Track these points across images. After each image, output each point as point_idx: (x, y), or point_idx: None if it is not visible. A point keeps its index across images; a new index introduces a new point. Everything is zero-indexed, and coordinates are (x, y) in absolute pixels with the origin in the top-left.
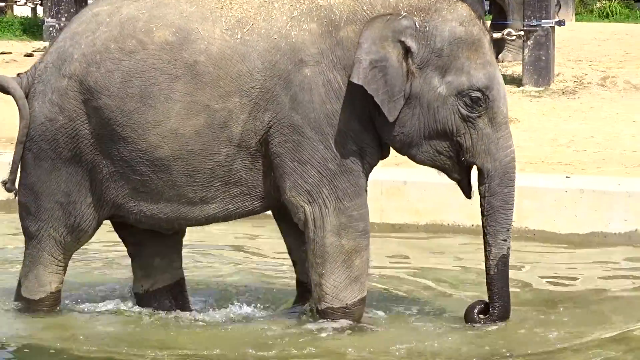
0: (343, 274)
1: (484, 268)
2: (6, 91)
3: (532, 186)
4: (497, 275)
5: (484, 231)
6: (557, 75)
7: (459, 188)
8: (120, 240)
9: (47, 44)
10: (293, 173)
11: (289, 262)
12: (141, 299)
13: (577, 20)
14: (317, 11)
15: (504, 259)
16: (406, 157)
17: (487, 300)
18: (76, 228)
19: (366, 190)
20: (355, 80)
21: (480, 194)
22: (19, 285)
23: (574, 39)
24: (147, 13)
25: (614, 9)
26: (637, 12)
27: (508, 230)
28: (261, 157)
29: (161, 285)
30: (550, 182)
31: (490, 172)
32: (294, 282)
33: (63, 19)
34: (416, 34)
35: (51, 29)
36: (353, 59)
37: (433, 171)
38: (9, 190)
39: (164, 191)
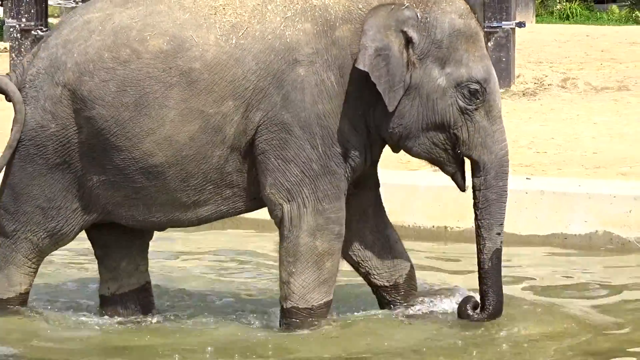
0: (313, 274)
1: (477, 262)
2: (4, 93)
3: None
4: (491, 269)
5: (477, 224)
6: (518, 76)
7: (419, 190)
8: (89, 240)
9: (7, 44)
10: (275, 170)
11: None
12: (107, 302)
13: (537, 21)
14: (311, 11)
15: (498, 252)
16: (405, 151)
17: (479, 295)
18: (57, 233)
19: (345, 194)
20: (361, 66)
21: (474, 187)
22: None
23: (535, 40)
24: (141, 21)
25: (574, 11)
26: (597, 13)
27: (501, 224)
28: (250, 156)
29: (127, 289)
30: (511, 184)
31: (486, 164)
32: None
33: (24, 19)
34: (417, 25)
35: (12, 29)
36: (348, 57)
37: (394, 172)
38: None
39: (157, 197)
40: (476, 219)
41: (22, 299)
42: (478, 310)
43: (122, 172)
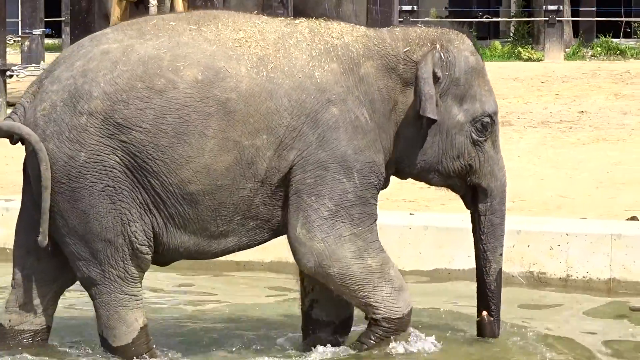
0: (386, 287)
1: (479, 283)
2: (19, 137)
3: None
4: (496, 289)
5: (481, 248)
6: None
7: None
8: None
9: None
10: (307, 209)
11: None
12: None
13: None
14: (334, 51)
15: (500, 272)
16: (418, 180)
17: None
18: (134, 257)
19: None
20: (431, 115)
21: (479, 212)
22: (105, 339)
23: None
24: (169, 52)
25: None
26: (480, 49)
27: (502, 245)
28: (280, 192)
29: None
30: (395, 219)
31: (493, 191)
32: None
33: None
34: (441, 65)
35: None
36: (376, 92)
37: None
38: (41, 243)
39: (187, 225)
40: (480, 242)
41: (146, 334)
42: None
43: (159, 196)
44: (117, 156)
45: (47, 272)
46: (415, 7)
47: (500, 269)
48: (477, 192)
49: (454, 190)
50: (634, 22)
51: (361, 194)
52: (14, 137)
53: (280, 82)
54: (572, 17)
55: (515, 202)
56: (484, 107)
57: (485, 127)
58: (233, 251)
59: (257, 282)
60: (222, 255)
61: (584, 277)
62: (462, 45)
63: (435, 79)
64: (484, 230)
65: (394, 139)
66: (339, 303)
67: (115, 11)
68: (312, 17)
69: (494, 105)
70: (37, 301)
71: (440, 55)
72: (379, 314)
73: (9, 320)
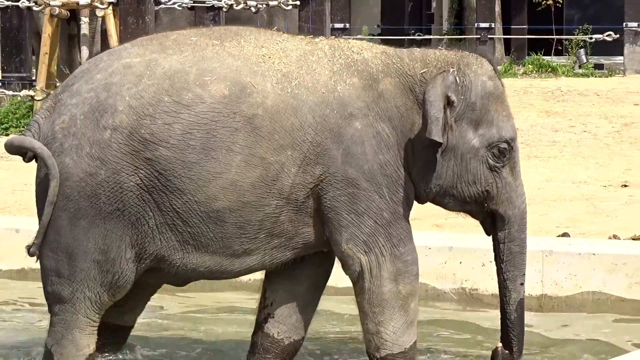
0: (401, 319)
1: (501, 311)
2: (31, 152)
3: None
4: (517, 319)
5: (502, 277)
6: None
7: None
8: None
9: None
10: (350, 225)
11: None
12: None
13: None
14: (355, 65)
15: (522, 302)
16: (436, 205)
17: (503, 343)
18: (113, 285)
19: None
20: (437, 138)
21: (498, 240)
22: (51, 355)
23: None
24: (195, 67)
25: None
26: None
27: (524, 275)
28: (306, 209)
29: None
30: None
31: (510, 218)
32: None
33: None
34: (456, 89)
35: None
36: (394, 110)
37: None
38: (32, 255)
39: (210, 243)
40: (500, 272)
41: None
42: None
43: (180, 215)
44: (138, 176)
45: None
46: (347, 25)
47: (522, 299)
48: (495, 219)
49: (472, 215)
50: (565, 39)
51: (394, 209)
52: (27, 154)
53: (305, 98)
54: (504, 34)
55: (447, 219)
56: (501, 133)
57: (503, 153)
58: (256, 270)
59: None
60: (244, 274)
61: None
62: (480, 70)
63: (449, 102)
64: (504, 258)
65: (412, 160)
66: (294, 324)
67: (47, 28)
68: None
69: (511, 131)
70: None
71: (456, 79)
72: (384, 349)
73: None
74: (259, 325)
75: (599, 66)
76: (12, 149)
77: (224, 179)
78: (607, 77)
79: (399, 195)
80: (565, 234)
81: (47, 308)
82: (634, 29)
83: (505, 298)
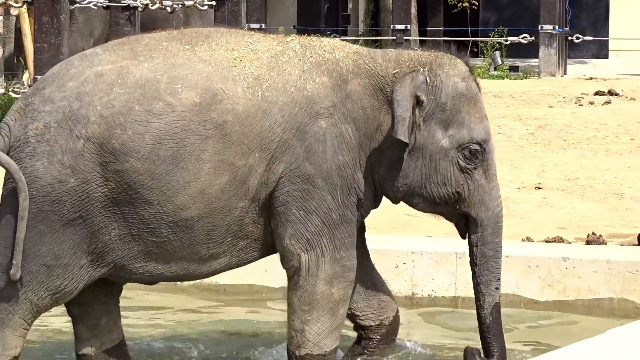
0: (327, 322)
1: (477, 316)
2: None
3: None
4: (493, 323)
5: (475, 281)
6: None
7: None
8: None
9: None
10: (297, 221)
11: None
12: None
13: None
14: (325, 64)
15: (497, 306)
16: (408, 205)
17: (482, 346)
18: (60, 291)
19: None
20: (402, 138)
21: (471, 243)
22: None
23: None
24: (166, 74)
25: None
26: None
27: (499, 279)
28: (266, 207)
29: (109, 346)
30: None
31: (483, 221)
32: None
33: None
34: (426, 89)
35: None
36: (360, 111)
37: None
38: (14, 277)
39: (178, 251)
40: (474, 275)
41: None
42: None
43: (147, 226)
44: (107, 188)
45: (99, 292)
46: (263, 25)
47: (497, 302)
48: (468, 222)
49: (445, 217)
50: (481, 41)
51: (343, 212)
52: None
53: (275, 99)
54: (420, 36)
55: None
56: (472, 134)
57: (474, 154)
58: (222, 271)
59: None
60: (211, 276)
61: (429, 294)
62: (452, 71)
63: (419, 102)
64: (477, 262)
65: (378, 160)
66: (383, 305)
67: None
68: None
69: (483, 132)
70: (103, 321)
71: (426, 79)
72: (305, 348)
73: (91, 347)
74: (355, 323)
75: (514, 68)
76: None
77: (193, 187)
78: (522, 79)
79: (350, 199)
80: None
81: None
82: (548, 31)
83: (480, 302)
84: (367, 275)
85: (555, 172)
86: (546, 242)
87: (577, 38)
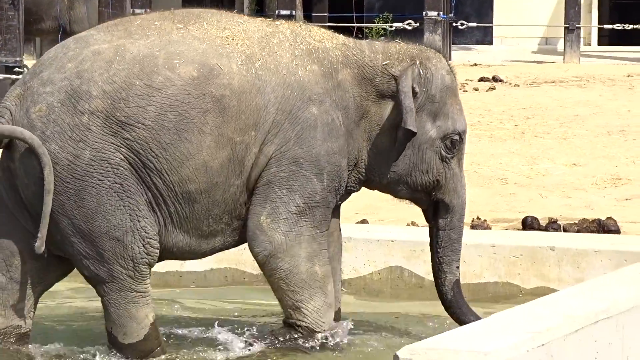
0: (321, 299)
1: (439, 295)
2: (8, 140)
3: None
4: (454, 296)
5: (438, 260)
6: None
7: None
8: None
9: None
10: (277, 200)
11: None
12: None
13: None
14: (315, 53)
15: (457, 282)
16: (386, 192)
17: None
18: (143, 253)
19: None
20: (412, 128)
21: (438, 227)
22: (114, 337)
23: None
24: (163, 50)
25: None
26: None
27: (459, 259)
28: (255, 188)
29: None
30: None
31: (454, 208)
32: None
33: None
34: (419, 81)
35: None
36: (350, 100)
37: None
38: (39, 250)
39: (183, 224)
40: (437, 255)
41: (156, 329)
42: None
43: (160, 194)
44: (121, 154)
45: (32, 274)
46: (147, 10)
47: (457, 279)
48: (438, 207)
49: (417, 204)
50: (366, 27)
51: (325, 196)
52: (3, 141)
53: (268, 79)
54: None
55: None
56: (455, 125)
57: (454, 144)
58: (219, 250)
59: None
60: (210, 255)
61: None
62: (439, 64)
63: (414, 94)
64: (442, 244)
65: (364, 148)
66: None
67: None
68: (44, 19)
69: (463, 124)
70: (22, 304)
71: (419, 72)
72: (304, 322)
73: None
74: None
75: None
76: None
77: (196, 160)
78: None
79: (334, 184)
80: (364, 221)
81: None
82: (433, 17)
83: (441, 280)
84: (335, 260)
85: None
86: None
87: (462, 24)
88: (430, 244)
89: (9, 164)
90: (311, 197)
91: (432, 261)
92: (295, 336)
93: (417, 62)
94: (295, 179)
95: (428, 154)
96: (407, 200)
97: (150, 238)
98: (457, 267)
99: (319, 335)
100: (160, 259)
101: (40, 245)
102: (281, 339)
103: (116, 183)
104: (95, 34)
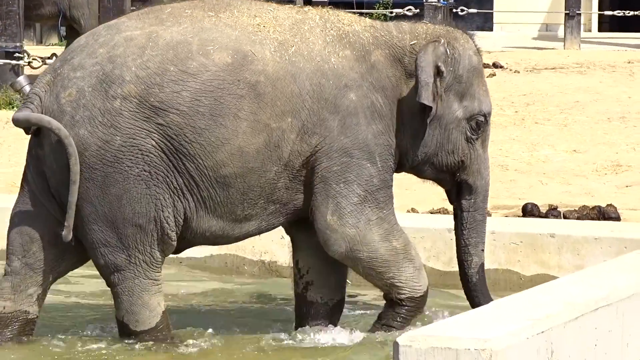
0: (409, 267)
1: (461, 276)
2: (47, 130)
3: None
4: (479, 281)
5: (463, 242)
6: None
7: None
8: None
9: None
10: (337, 195)
11: None
12: None
13: None
14: (346, 37)
15: (482, 265)
16: (411, 173)
17: (471, 305)
18: (161, 242)
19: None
20: (426, 102)
21: (462, 208)
22: (126, 325)
23: None
24: (196, 37)
25: None
26: None
27: (484, 242)
28: (300, 177)
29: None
30: None
31: (478, 189)
32: None
33: None
34: (446, 60)
35: None
36: (386, 80)
37: None
38: (66, 238)
39: (217, 208)
40: (462, 237)
41: (166, 317)
42: None
43: (194, 179)
44: (153, 140)
45: (47, 261)
46: None
47: (483, 263)
48: (462, 189)
49: (441, 184)
50: (366, 13)
51: (383, 177)
52: (32, 128)
53: (302, 65)
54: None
55: None
56: (481, 107)
57: (479, 125)
58: (253, 235)
59: None
60: (243, 239)
61: None
62: (467, 44)
63: (439, 72)
64: (467, 225)
65: (402, 128)
66: (334, 285)
67: None
68: (43, 5)
69: (489, 105)
70: (33, 290)
71: (446, 51)
72: (404, 293)
73: (3, 307)
74: (301, 296)
75: None
76: (25, 124)
77: (232, 145)
78: None
79: (388, 164)
80: None
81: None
82: (433, 3)
83: (467, 263)
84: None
85: None
86: (431, 213)
87: (462, 10)
88: (455, 227)
89: (37, 151)
90: (369, 183)
91: (456, 245)
92: (402, 311)
93: (443, 41)
94: (350, 170)
95: (454, 134)
96: (430, 181)
97: (170, 229)
98: (483, 250)
99: (420, 297)
100: (193, 244)
101: (67, 234)
102: (398, 320)
103: (144, 171)
104: (127, 21)
